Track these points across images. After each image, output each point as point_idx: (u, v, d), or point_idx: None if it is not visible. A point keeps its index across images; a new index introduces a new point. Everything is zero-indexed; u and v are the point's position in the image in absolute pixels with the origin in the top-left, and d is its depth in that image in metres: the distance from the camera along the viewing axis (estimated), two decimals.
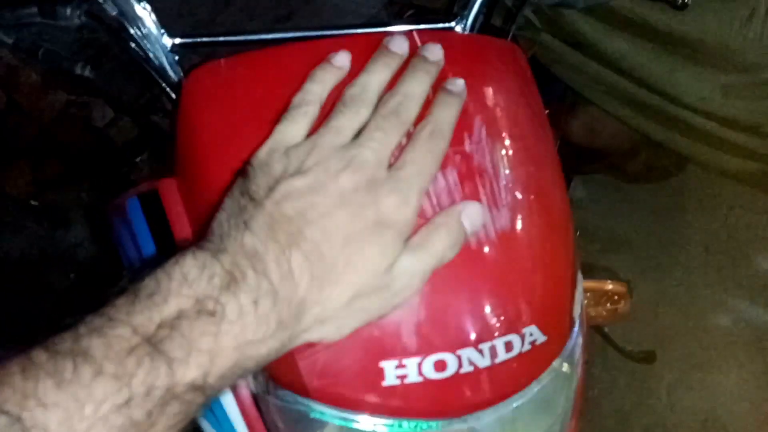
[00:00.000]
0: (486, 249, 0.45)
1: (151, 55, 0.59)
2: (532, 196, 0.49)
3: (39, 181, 1.62)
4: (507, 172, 0.48)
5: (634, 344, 1.29)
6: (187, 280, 0.35)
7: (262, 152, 0.42)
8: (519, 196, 0.48)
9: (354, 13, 1.87)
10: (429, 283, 0.43)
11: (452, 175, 0.45)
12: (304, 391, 0.45)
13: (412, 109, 0.44)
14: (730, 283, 1.57)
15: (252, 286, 0.36)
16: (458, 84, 0.47)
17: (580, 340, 0.53)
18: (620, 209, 1.69)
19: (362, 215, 0.39)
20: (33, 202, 1.63)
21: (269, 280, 0.36)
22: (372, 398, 0.44)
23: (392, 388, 0.44)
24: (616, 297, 0.83)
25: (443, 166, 0.45)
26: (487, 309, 0.45)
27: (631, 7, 0.97)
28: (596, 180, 1.67)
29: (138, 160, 1.67)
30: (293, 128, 0.43)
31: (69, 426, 0.30)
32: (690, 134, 1.09)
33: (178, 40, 0.59)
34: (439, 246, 0.42)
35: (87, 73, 0.62)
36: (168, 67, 0.59)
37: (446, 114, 0.45)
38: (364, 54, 0.47)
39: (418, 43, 0.49)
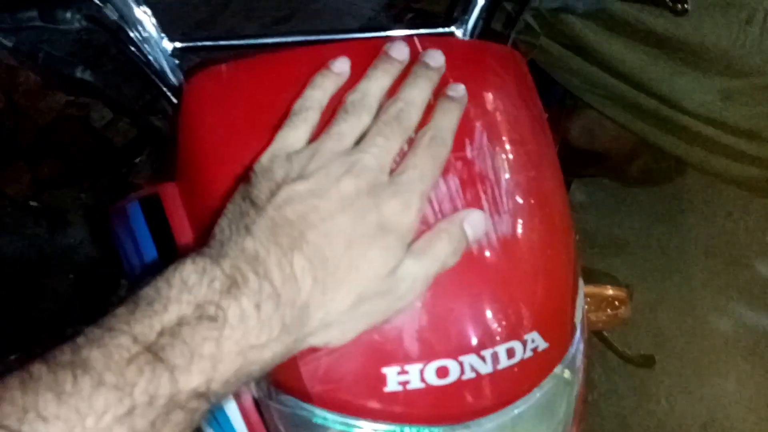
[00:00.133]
0: (488, 255, 0.45)
1: (151, 58, 0.59)
2: (534, 202, 0.49)
3: (38, 182, 1.62)
4: (508, 177, 0.48)
5: (633, 348, 1.29)
6: (187, 285, 0.35)
7: (264, 158, 0.42)
8: (520, 201, 0.48)
9: (353, 15, 1.88)
10: (431, 289, 0.43)
11: (454, 181, 0.45)
12: (307, 397, 0.45)
13: (414, 115, 0.44)
14: (730, 288, 1.58)
15: (254, 289, 0.35)
16: (459, 89, 0.47)
17: (582, 347, 0.53)
18: (620, 213, 1.69)
19: (364, 219, 0.39)
20: (32, 203, 1.63)
21: (271, 284, 0.36)
22: (374, 404, 0.44)
23: (394, 394, 0.43)
24: (616, 302, 0.83)
25: (445, 172, 0.45)
26: (489, 315, 0.45)
27: (631, 12, 0.97)
28: (596, 183, 1.67)
29: (137, 161, 1.66)
30: (294, 134, 0.43)
31: None
32: (689, 139, 1.09)
33: (178, 44, 0.59)
34: (441, 252, 0.42)
35: (87, 76, 0.62)
36: (168, 71, 0.59)
37: (447, 119, 0.45)
38: (365, 59, 0.47)
39: (419, 49, 0.49)
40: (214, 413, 0.51)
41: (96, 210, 1.63)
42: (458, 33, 0.64)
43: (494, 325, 0.45)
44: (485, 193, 0.46)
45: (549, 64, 1.11)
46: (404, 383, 0.43)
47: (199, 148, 0.49)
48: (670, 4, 0.67)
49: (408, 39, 0.49)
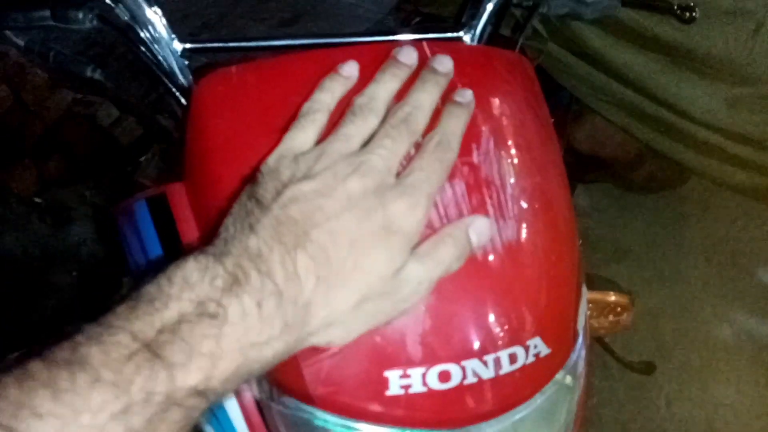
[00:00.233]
0: (492, 260, 0.46)
1: (161, 59, 0.59)
2: (539, 208, 0.49)
3: (43, 179, 1.63)
4: (514, 183, 0.48)
5: (634, 354, 1.29)
6: (189, 283, 0.34)
7: (271, 159, 0.42)
8: (526, 207, 0.48)
9: (361, 17, 1.88)
10: (435, 293, 0.43)
11: (460, 186, 0.46)
12: (308, 399, 0.45)
13: (421, 119, 0.44)
14: (732, 295, 1.57)
15: (256, 287, 0.35)
16: (467, 95, 0.47)
17: (584, 353, 0.53)
18: (623, 218, 1.69)
19: (369, 219, 0.39)
20: (37, 200, 1.63)
21: (273, 282, 0.36)
22: (375, 407, 0.44)
23: (396, 397, 0.44)
24: (618, 309, 0.83)
25: (451, 177, 0.45)
26: (493, 320, 0.45)
27: (639, 19, 0.97)
28: (600, 188, 1.67)
29: (142, 159, 1.67)
30: (302, 136, 0.44)
31: None
32: (694, 146, 1.10)
33: (188, 45, 0.60)
34: (445, 256, 0.42)
35: (97, 76, 0.63)
36: (178, 72, 0.60)
37: (454, 124, 0.45)
38: (373, 63, 0.47)
39: (428, 54, 0.49)
40: (215, 413, 0.51)
41: (101, 208, 1.64)
42: (466, 38, 0.64)
43: (497, 330, 0.45)
44: (491, 198, 0.46)
45: (556, 69, 1.11)
46: (406, 387, 0.43)
47: (208, 149, 0.49)
48: (678, 12, 0.67)
49: (416, 44, 0.49)
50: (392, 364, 0.44)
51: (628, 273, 1.59)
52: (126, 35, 0.58)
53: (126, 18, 0.57)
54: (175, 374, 0.32)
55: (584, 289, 0.56)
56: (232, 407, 0.51)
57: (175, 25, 0.59)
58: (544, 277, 0.48)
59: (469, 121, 0.46)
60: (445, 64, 0.47)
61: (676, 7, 0.67)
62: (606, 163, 1.31)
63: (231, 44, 0.61)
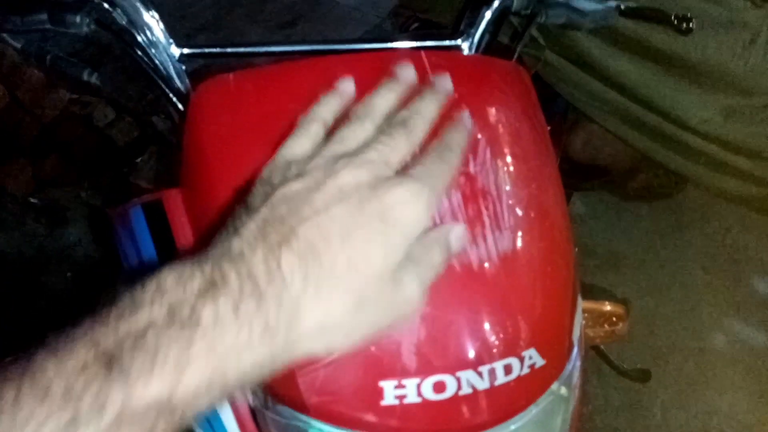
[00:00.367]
0: (488, 271, 0.46)
1: (158, 63, 0.59)
2: (535, 219, 0.49)
3: (39, 179, 1.63)
4: (510, 193, 0.48)
5: (629, 362, 1.29)
6: (162, 289, 0.32)
7: (266, 170, 0.41)
8: (521, 218, 0.48)
9: (358, 21, 1.88)
10: (430, 303, 0.43)
11: (456, 197, 0.46)
12: (303, 408, 0.45)
13: (420, 124, 0.42)
14: (727, 304, 1.58)
15: (233, 288, 0.32)
16: (465, 116, 0.46)
17: (579, 363, 0.53)
18: (619, 226, 1.69)
19: (364, 209, 0.36)
20: (32, 200, 1.63)
21: (254, 282, 0.33)
22: (370, 417, 0.44)
23: (391, 407, 0.44)
24: (614, 318, 0.84)
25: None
26: (488, 332, 0.45)
27: (636, 29, 0.98)
28: (596, 196, 1.68)
29: (138, 160, 1.67)
30: (297, 146, 0.42)
31: None
32: (690, 155, 1.10)
33: (185, 50, 0.60)
34: (437, 259, 0.39)
35: (94, 80, 0.62)
36: (175, 76, 0.60)
37: (456, 136, 0.43)
38: (371, 73, 0.47)
39: (426, 64, 0.49)
40: (209, 419, 0.51)
41: (96, 209, 1.63)
42: (464, 46, 0.64)
43: (492, 342, 0.45)
44: (487, 208, 0.47)
45: (553, 77, 1.11)
46: (401, 397, 0.43)
47: (205, 156, 0.49)
48: (676, 22, 0.67)
49: (414, 54, 0.49)
50: (387, 375, 0.43)
51: (624, 280, 1.59)
52: (123, 39, 0.58)
53: (123, 22, 0.57)
54: (132, 385, 0.30)
55: (580, 299, 0.56)
56: (227, 414, 0.51)
57: (173, 26, 0.59)
58: (539, 288, 0.48)
59: (469, 139, 0.46)
60: (445, 84, 0.46)
61: (673, 18, 0.67)
62: (602, 172, 1.32)
63: (229, 50, 0.61)
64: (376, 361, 0.44)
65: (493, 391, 0.45)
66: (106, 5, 0.57)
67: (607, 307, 0.83)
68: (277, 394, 0.46)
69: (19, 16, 0.55)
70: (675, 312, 1.56)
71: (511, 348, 0.45)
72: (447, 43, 0.64)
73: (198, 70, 0.62)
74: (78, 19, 0.56)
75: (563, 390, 0.50)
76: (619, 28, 0.99)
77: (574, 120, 1.23)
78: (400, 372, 0.43)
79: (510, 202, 0.48)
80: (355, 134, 0.41)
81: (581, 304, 0.57)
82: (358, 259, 0.35)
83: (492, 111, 0.51)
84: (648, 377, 1.29)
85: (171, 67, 0.59)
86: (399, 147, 0.40)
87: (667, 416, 1.42)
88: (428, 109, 0.43)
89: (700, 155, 1.09)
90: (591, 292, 0.86)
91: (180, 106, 0.60)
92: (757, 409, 1.42)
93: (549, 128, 0.58)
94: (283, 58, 0.63)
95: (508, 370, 0.45)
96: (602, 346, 1.20)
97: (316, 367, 0.43)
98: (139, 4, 0.57)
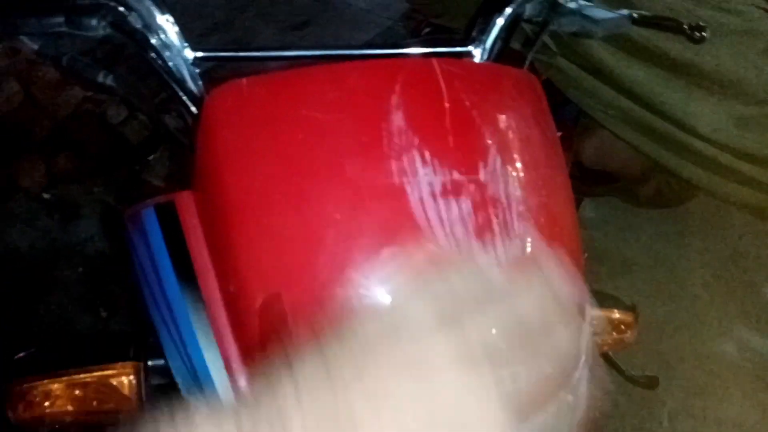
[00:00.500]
0: None
1: (172, 66, 0.59)
2: (544, 227, 0.49)
3: (52, 175, 1.64)
4: (520, 201, 0.48)
5: (637, 368, 1.28)
6: None
7: None
8: (531, 226, 0.48)
9: (371, 23, 1.89)
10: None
11: (466, 204, 0.46)
12: None
13: None
14: (737, 312, 1.57)
15: None
16: None
17: (586, 372, 0.53)
18: (629, 232, 1.68)
19: None
20: (45, 195, 1.64)
21: None
22: None
23: None
24: (622, 326, 0.83)
25: (457, 195, 0.45)
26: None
27: (649, 37, 0.97)
28: (606, 202, 1.67)
29: (151, 158, 1.68)
30: None
31: None
32: (702, 163, 1.09)
33: (200, 54, 0.60)
34: None
35: (109, 81, 0.63)
36: (189, 80, 0.60)
37: None
38: (383, 80, 0.48)
39: (438, 72, 0.49)
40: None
41: (109, 205, 1.65)
42: (476, 53, 0.64)
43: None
44: (497, 216, 0.47)
45: (564, 83, 1.11)
46: None
47: (218, 161, 0.49)
48: (689, 31, 0.67)
49: (426, 61, 0.49)
50: None
51: (633, 286, 1.58)
52: (138, 42, 0.58)
53: (139, 26, 0.58)
54: None
55: (588, 307, 0.56)
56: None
57: (186, 25, 0.59)
58: None
59: (476, 139, 0.46)
60: None
61: (686, 26, 0.67)
62: (613, 178, 1.32)
63: (242, 54, 0.62)
64: None
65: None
66: (121, 9, 0.57)
67: (616, 314, 0.82)
68: None
69: (36, 19, 0.55)
70: (684, 319, 1.55)
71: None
72: (458, 49, 0.65)
73: (210, 71, 0.62)
74: (94, 22, 0.56)
75: (570, 398, 0.50)
76: (632, 36, 0.98)
77: (586, 126, 1.23)
78: None
79: (520, 209, 0.48)
80: None
81: (590, 312, 0.56)
82: None
83: (503, 119, 0.51)
84: (656, 384, 1.28)
85: (185, 70, 0.60)
86: None
87: (674, 423, 1.42)
88: None
89: (711, 163, 1.08)
90: (599, 299, 0.86)
91: (193, 108, 0.60)
92: (765, 417, 1.41)
93: (560, 135, 0.58)
94: (295, 63, 0.63)
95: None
96: (610, 352, 1.20)
97: None
98: (154, 8, 0.58)
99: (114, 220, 1.58)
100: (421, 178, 0.47)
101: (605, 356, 1.19)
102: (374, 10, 1.86)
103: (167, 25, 0.59)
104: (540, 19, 0.66)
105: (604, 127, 1.15)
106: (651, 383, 1.28)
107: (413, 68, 0.51)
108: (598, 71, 1.05)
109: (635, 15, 0.66)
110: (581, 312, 0.52)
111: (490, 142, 0.49)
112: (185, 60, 0.60)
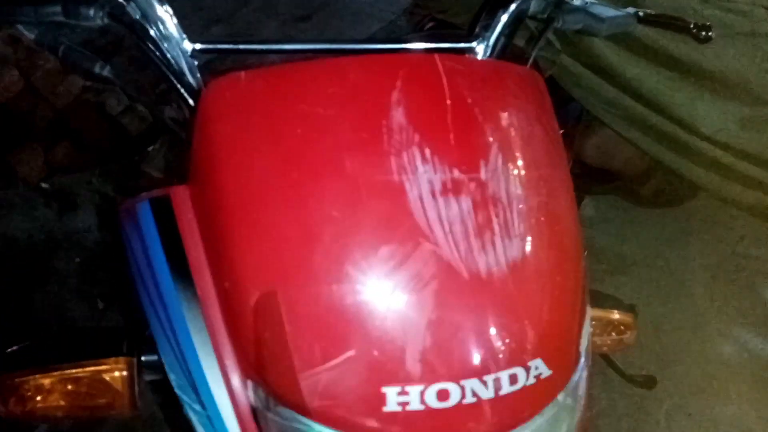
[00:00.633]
0: (496, 279, 0.45)
1: (170, 58, 0.59)
2: (545, 226, 0.48)
3: (51, 165, 1.63)
4: (521, 200, 0.47)
5: (635, 368, 1.28)
6: None
7: None
8: (531, 226, 0.47)
9: (374, 17, 1.88)
10: (437, 311, 0.43)
11: (466, 203, 0.45)
12: (305, 410, 0.44)
13: None
14: (736, 313, 1.56)
15: None
16: None
17: (585, 374, 0.52)
18: (629, 231, 1.68)
19: None
20: (43, 185, 1.63)
21: None
22: (372, 423, 0.44)
23: (393, 414, 0.43)
24: (622, 327, 0.83)
25: (457, 193, 0.44)
26: (494, 341, 0.44)
27: (654, 36, 0.97)
28: (607, 200, 1.66)
29: (150, 149, 1.67)
30: None
31: None
32: (704, 164, 1.09)
33: (198, 45, 0.59)
34: None
35: (106, 72, 0.62)
36: (187, 72, 0.59)
37: None
38: (384, 75, 0.47)
39: (440, 68, 0.48)
40: (210, 416, 0.51)
41: (107, 196, 1.64)
42: (479, 49, 0.63)
43: (498, 351, 0.44)
44: (497, 216, 0.46)
45: (567, 81, 1.10)
46: (404, 404, 0.43)
47: (214, 155, 0.49)
48: (694, 31, 0.66)
49: (428, 57, 0.49)
50: (390, 380, 0.43)
51: (633, 285, 1.58)
52: (136, 33, 0.57)
53: (137, 16, 0.57)
54: None
55: (588, 308, 0.55)
56: (228, 413, 0.50)
57: (189, 17, 0.59)
58: (548, 297, 0.48)
59: (478, 137, 0.46)
60: None
61: (692, 26, 0.66)
62: (614, 176, 1.31)
63: (242, 46, 0.61)
64: (380, 366, 0.43)
65: (497, 401, 0.44)
66: None
67: (616, 315, 0.81)
68: (279, 396, 0.46)
69: (33, 8, 0.55)
70: (682, 319, 1.55)
71: (517, 357, 0.45)
72: (461, 45, 0.64)
73: (211, 64, 0.61)
74: (91, 12, 0.56)
75: (569, 400, 0.50)
76: (637, 35, 0.98)
77: (588, 124, 1.22)
78: (403, 378, 0.43)
79: (520, 209, 0.47)
80: None
81: (590, 312, 0.56)
82: None
83: (505, 117, 0.50)
84: (653, 384, 1.28)
85: (183, 62, 0.59)
86: None
87: (671, 423, 1.41)
88: None
89: (713, 163, 1.08)
90: (599, 300, 0.86)
91: (190, 101, 0.59)
92: (762, 418, 1.41)
93: (562, 132, 0.57)
94: (295, 57, 0.63)
95: (513, 379, 0.45)
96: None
97: (318, 370, 0.43)
98: None
99: (112, 211, 1.57)
100: (421, 176, 0.46)
101: (604, 356, 1.19)
102: (377, 5, 1.85)
103: (166, 16, 0.58)
104: (544, 16, 0.65)
105: (607, 126, 1.14)
106: (649, 383, 1.27)
107: (415, 64, 0.51)
108: (602, 70, 1.04)
109: (641, 13, 0.65)
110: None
111: (491, 140, 0.48)
112: (183, 52, 0.59)
